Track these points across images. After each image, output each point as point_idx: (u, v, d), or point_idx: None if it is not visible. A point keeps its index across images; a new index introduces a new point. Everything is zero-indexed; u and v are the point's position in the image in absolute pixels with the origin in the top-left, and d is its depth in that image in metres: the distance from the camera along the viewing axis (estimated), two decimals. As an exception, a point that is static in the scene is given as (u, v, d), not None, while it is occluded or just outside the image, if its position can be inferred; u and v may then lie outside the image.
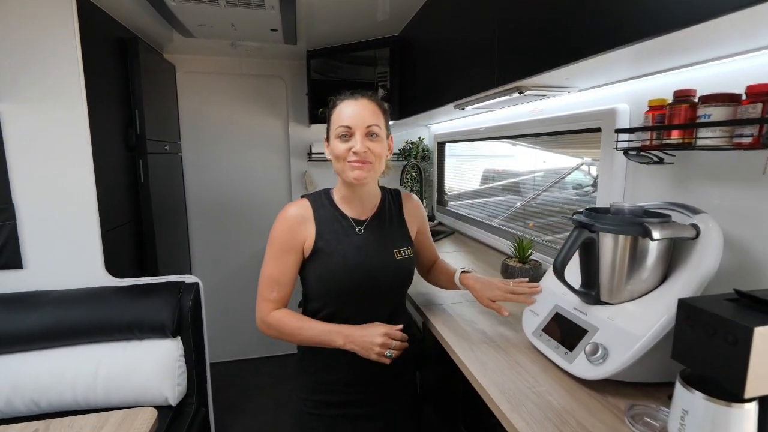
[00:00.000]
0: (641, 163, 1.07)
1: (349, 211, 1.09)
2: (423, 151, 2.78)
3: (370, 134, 1.01)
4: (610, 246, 0.89)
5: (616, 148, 1.09)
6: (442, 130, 2.63)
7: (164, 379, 1.45)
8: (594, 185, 1.53)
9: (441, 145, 2.72)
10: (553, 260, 0.94)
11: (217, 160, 2.79)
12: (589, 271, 0.93)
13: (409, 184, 2.75)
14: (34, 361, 1.41)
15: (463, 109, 1.84)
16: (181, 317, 1.55)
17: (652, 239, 0.81)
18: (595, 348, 0.83)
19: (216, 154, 2.78)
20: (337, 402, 1.09)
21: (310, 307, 1.10)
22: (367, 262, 1.05)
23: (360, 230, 1.08)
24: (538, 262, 1.51)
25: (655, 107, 0.99)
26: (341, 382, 1.09)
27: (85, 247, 1.58)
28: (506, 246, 1.86)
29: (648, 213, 0.91)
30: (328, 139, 1.07)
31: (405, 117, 2.14)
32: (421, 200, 2.59)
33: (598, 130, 1.32)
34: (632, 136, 1.07)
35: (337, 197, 1.11)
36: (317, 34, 2.19)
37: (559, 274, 0.92)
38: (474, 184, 2.56)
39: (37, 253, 1.54)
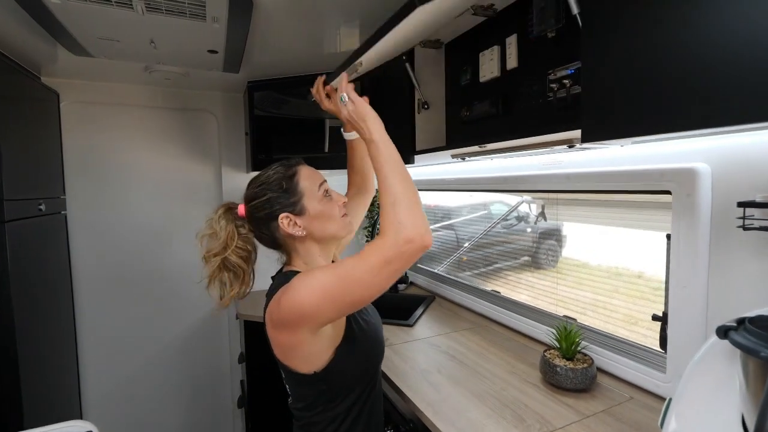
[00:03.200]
0: (779, 249, 0.80)
1: None
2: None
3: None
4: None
5: (743, 227, 0.81)
6: (421, 176, 2.13)
7: None
8: (518, 219, 1.65)
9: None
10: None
11: (123, 218, 2.08)
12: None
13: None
14: None
15: (464, 159, 1.51)
16: None
17: None
18: None
19: (120, 211, 2.08)
20: None
21: (335, 409, 0.90)
22: (377, 319, 1.04)
23: None
24: (589, 358, 1.17)
25: (812, 178, 0.73)
26: None
27: None
28: (514, 321, 1.52)
29: None
30: (296, 212, 0.91)
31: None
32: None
33: (666, 192, 1.05)
34: (760, 213, 0.80)
35: None
36: (265, 61, 1.73)
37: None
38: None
39: None
